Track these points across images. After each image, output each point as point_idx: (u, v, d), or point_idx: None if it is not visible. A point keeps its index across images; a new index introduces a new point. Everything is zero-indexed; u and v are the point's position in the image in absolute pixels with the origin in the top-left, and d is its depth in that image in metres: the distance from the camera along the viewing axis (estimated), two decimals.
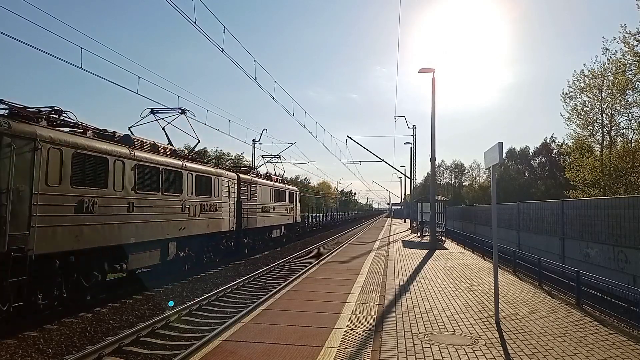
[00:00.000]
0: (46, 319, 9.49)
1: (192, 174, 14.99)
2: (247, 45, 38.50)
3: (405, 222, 61.61)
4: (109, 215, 10.75)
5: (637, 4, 22.41)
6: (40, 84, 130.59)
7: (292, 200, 29.57)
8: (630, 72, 24.74)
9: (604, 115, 26.98)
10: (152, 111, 16.40)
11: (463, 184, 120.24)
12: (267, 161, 32.46)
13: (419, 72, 20.96)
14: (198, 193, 15.47)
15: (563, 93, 28.74)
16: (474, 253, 19.43)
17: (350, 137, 36.16)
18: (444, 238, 27.21)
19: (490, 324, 7.48)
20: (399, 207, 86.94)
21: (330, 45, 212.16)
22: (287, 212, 28.36)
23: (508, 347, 6.24)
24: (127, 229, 11.42)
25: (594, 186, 27.12)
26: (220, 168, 20.02)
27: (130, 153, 11.75)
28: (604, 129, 27.18)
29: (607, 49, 25.45)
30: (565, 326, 7.32)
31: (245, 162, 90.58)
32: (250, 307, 10.61)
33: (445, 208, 31.83)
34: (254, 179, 22.29)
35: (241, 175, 20.42)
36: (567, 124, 29.29)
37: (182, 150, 17.53)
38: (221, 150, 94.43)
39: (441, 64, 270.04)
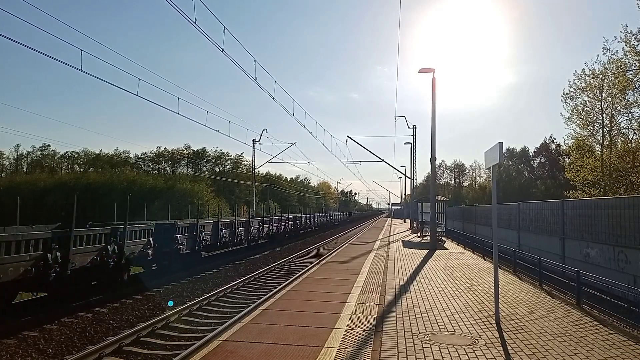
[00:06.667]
0: (46, 319, 9.50)
1: None
2: (247, 45, 38.47)
3: (405, 222, 61.62)
4: None
5: (637, 4, 22.44)
6: (41, 84, 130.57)
7: None
8: (630, 72, 24.73)
9: (604, 115, 26.95)
10: None
11: (463, 184, 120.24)
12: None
13: (419, 72, 20.97)
14: None
15: (563, 93, 28.74)
16: (474, 253, 19.41)
17: (350, 137, 36.21)
18: (444, 238, 27.20)
19: (491, 324, 7.47)
20: (399, 207, 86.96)
21: (331, 45, 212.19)
22: None
23: (508, 347, 6.24)
24: None
25: (594, 186, 27.08)
26: None
27: None
28: (604, 129, 27.14)
29: (607, 49, 25.46)
30: (565, 326, 7.32)
31: (245, 162, 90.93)
32: (250, 307, 10.61)
33: (446, 208, 31.80)
34: None
35: None
36: (568, 124, 29.29)
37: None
38: (221, 150, 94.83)
39: (441, 64, 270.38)
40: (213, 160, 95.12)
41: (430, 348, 6.16)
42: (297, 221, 34.21)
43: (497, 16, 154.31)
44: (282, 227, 29.28)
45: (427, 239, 24.40)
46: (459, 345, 6.28)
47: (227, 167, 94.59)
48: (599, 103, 26.93)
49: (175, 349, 8.20)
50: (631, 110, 25.80)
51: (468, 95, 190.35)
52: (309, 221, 39.49)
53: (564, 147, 34.29)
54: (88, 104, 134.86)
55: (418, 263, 15.75)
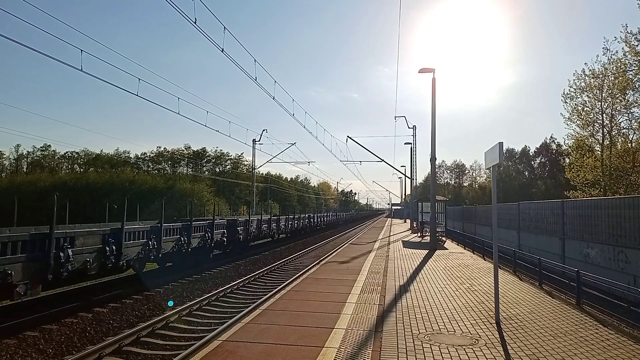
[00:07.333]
0: (46, 319, 9.50)
1: None
2: (247, 45, 38.53)
3: (405, 222, 61.62)
4: None
5: (638, 4, 22.45)
6: (40, 84, 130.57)
7: None
8: (630, 72, 24.74)
9: (604, 115, 26.95)
10: None
11: (463, 184, 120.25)
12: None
13: (419, 72, 20.96)
14: None
15: (563, 93, 28.75)
16: (474, 253, 19.41)
17: (350, 137, 36.21)
18: (444, 238, 27.19)
19: (491, 324, 7.47)
20: (399, 207, 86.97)
21: (331, 45, 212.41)
22: None
23: (508, 347, 6.24)
24: None
25: (594, 186, 27.09)
26: None
27: None
28: (605, 129, 27.14)
29: (607, 49, 25.50)
30: (565, 326, 7.32)
31: (245, 162, 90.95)
32: (250, 307, 10.62)
33: (446, 208, 31.80)
34: None
35: None
36: (568, 124, 29.28)
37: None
38: (221, 150, 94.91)
39: (441, 64, 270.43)
40: (213, 160, 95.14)
41: (430, 348, 6.16)
42: (241, 228, 21.40)
43: (497, 16, 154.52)
44: (200, 240, 16.69)
45: (427, 239, 24.39)
46: (459, 346, 6.28)
47: (227, 167, 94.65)
48: (599, 103, 26.94)
49: (175, 349, 8.20)
50: (631, 110, 25.83)
51: (468, 95, 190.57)
52: (269, 227, 26.32)
53: (564, 147, 34.29)
54: (88, 104, 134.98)
55: (418, 263, 15.75)
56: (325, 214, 53.64)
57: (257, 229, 24.28)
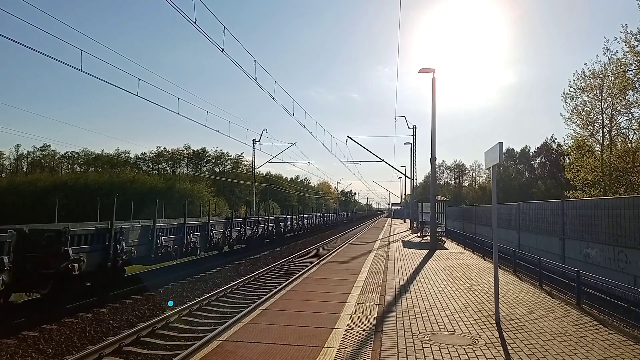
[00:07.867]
0: (46, 319, 9.50)
1: None
2: (247, 45, 38.37)
3: (405, 222, 61.61)
4: None
5: (638, 4, 22.46)
6: (40, 83, 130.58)
7: None
8: (630, 72, 24.75)
9: (604, 115, 26.96)
10: None
11: (463, 184, 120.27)
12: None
13: (419, 72, 20.96)
14: None
15: (563, 93, 28.75)
16: (474, 253, 19.41)
17: (350, 137, 36.19)
18: (444, 238, 27.18)
19: (491, 324, 7.47)
20: (399, 207, 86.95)
21: (331, 45, 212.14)
22: None
23: (508, 347, 6.24)
24: None
25: (594, 186, 27.09)
26: None
27: None
28: (605, 129, 27.15)
29: (607, 49, 25.51)
30: (565, 326, 7.31)
31: (245, 162, 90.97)
32: (250, 307, 10.61)
33: (446, 208, 31.79)
34: None
35: None
36: (568, 124, 29.27)
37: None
38: (221, 150, 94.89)
39: (441, 64, 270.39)
40: (213, 160, 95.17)
41: (430, 348, 6.16)
42: (90, 247, 10.56)
43: (497, 16, 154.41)
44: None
45: (427, 239, 24.38)
46: (459, 346, 6.27)
47: (227, 167, 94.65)
48: (599, 103, 26.95)
49: (175, 349, 8.20)
50: (631, 110, 25.85)
51: (468, 95, 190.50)
52: (184, 239, 15.30)
53: (564, 147, 34.33)
54: (88, 104, 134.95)
55: (418, 263, 15.75)
56: (306, 216, 39.05)
57: (145, 245, 13.15)
